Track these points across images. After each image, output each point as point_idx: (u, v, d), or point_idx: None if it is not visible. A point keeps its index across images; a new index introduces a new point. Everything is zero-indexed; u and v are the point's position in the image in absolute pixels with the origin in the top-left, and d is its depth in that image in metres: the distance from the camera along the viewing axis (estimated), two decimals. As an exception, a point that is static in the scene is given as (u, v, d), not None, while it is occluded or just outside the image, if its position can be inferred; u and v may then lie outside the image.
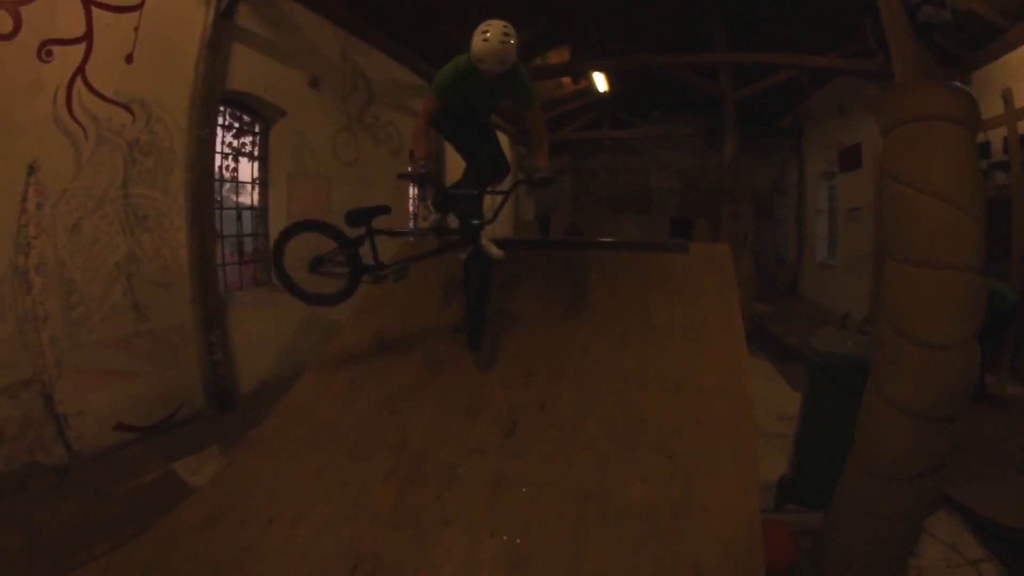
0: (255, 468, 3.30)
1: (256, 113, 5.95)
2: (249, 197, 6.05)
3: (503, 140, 11.02)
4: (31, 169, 3.98)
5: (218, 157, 5.49)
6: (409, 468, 2.79)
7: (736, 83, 9.11)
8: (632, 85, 13.15)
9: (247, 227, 6.03)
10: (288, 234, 3.69)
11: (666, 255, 3.87)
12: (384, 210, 3.67)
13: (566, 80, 12.12)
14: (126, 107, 4.47)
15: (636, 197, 16.00)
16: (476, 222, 3.41)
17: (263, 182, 6.10)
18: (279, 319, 5.93)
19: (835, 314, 8.80)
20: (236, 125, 5.77)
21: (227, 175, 5.69)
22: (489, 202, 3.83)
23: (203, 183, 5.06)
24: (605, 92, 11.90)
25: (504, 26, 3.04)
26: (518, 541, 2.24)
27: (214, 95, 5.09)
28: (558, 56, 10.20)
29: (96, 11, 4.20)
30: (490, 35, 3.00)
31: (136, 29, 4.48)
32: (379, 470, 2.84)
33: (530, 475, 2.53)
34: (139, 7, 4.47)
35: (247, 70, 5.44)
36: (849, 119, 9.74)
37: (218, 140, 5.42)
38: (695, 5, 9.39)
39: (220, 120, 5.41)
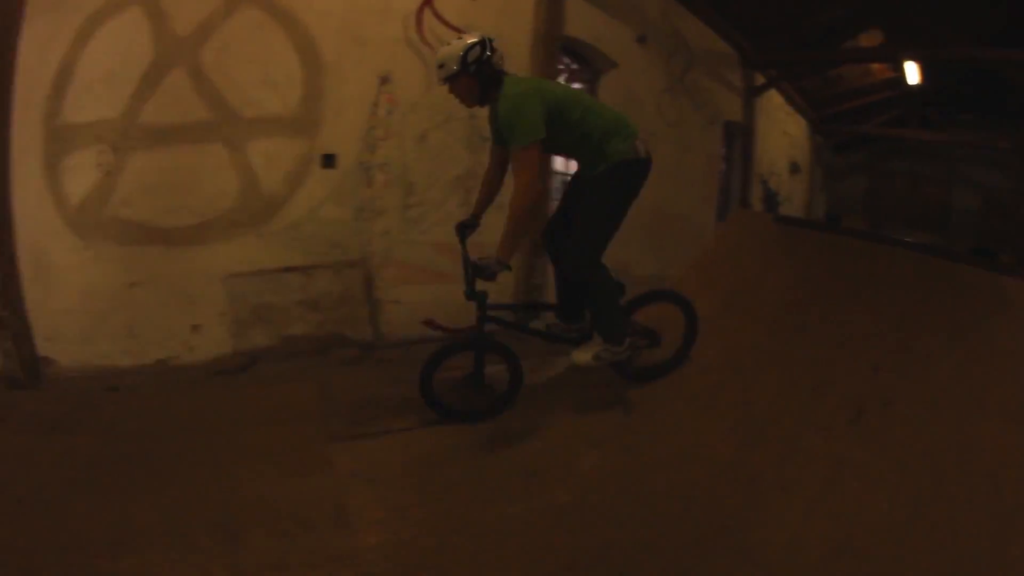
0: None
1: (587, 62, 6.08)
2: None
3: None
4: (383, 80, 4.48)
5: None
6: (752, 428, 2.78)
7: None
8: (945, 80, 10.70)
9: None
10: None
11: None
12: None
13: (877, 67, 10.25)
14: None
15: (933, 213, 13.57)
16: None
17: None
18: None
19: None
20: (567, 71, 5.99)
21: None
22: None
23: None
24: (917, 85, 9.77)
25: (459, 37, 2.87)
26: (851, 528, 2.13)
27: (552, 37, 5.25)
28: (869, 40, 8.93)
29: None
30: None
31: None
32: (722, 422, 2.89)
33: (871, 466, 2.39)
34: None
35: (580, 18, 5.57)
36: None
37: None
38: None
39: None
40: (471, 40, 2.76)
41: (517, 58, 4.95)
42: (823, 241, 3.80)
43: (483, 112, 4.45)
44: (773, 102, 9.55)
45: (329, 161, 4.33)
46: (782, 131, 9.51)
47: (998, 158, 12.17)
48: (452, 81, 2.79)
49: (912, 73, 9.55)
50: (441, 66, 2.78)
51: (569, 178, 3.29)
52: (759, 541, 2.13)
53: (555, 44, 5.26)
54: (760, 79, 8.64)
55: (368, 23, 4.44)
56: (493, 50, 2.80)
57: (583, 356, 2.99)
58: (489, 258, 2.74)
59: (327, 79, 4.34)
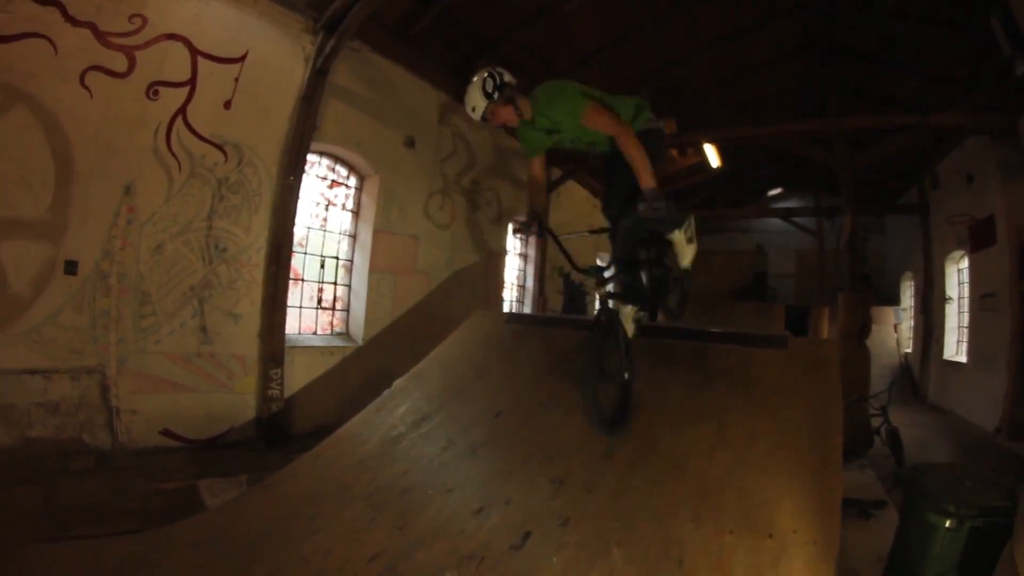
0: (260, 509, 3.58)
1: (351, 167, 6.85)
2: (336, 248, 6.76)
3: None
4: (127, 189, 5.02)
5: (310, 205, 6.36)
6: (394, 559, 2.82)
7: (852, 153, 8.85)
8: (746, 161, 13.19)
9: (329, 276, 6.68)
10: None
11: (760, 350, 3.64)
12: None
13: (674, 153, 12.22)
14: (220, 147, 5.49)
15: (751, 282, 15.93)
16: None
17: (352, 235, 6.82)
18: (347, 370, 6.32)
19: (972, 425, 8.09)
20: (332, 177, 6.69)
21: (318, 223, 6.48)
22: None
23: (284, 227, 5.84)
24: (718, 167, 11.86)
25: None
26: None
27: (304, 145, 5.98)
28: (665, 128, 10.34)
29: (202, 60, 5.37)
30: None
31: (236, 79, 5.59)
32: (364, 551, 2.93)
33: None
34: (241, 59, 5.61)
35: (341, 125, 6.39)
36: (979, 188, 8.88)
37: (312, 189, 6.32)
38: (804, 71, 9.47)
39: (318, 171, 6.36)
40: (480, 75, 3.15)
41: (265, 165, 5.73)
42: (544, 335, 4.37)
43: (225, 221, 5.14)
44: (576, 196, 10.60)
45: (71, 268, 4.75)
46: (588, 224, 10.12)
47: (804, 224, 14.81)
48: (491, 115, 3.18)
49: (712, 156, 11.33)
50: (473, 109, 3.18)
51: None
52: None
53: (305, 153, 5.97)
54: (557, 172, 9.56)
55: (120, 132, 4.94)
56: (501, 73, 3.16)
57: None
58: (649, 199, 2.94)
59: (76, 186, 4.76)
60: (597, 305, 3.54)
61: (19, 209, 4.58)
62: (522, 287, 9.89)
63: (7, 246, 4.51)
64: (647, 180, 2.95)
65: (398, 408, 4.15)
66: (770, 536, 2.42)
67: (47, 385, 4.68)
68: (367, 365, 6.42)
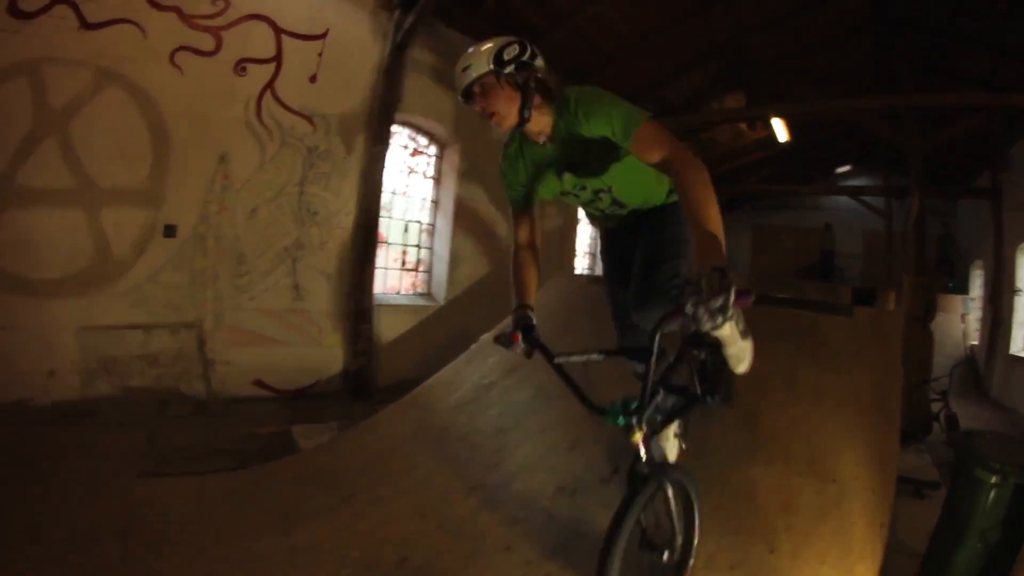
0: (358, 447, 3.83)
1: (431, 136, 7.10)
2: (420, 213, 7.02)
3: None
4: (222, 158, 5.44)
5: (393, 172, 6.65)
6: (492, 492, 2.99)
7: (924, 133, 8.45)
8: (815, 136, 12.71)
9: (412, 240, 6.99)
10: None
11: (827, 317, 3.76)
12: None
13: (744, 127, 11.81)
14: (308, 119, 5.85)
15: (818, 261, 15.67)
16: None
17: (434, 200, 7.05)
18: (428, 329, 6.55)
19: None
20: (413, 146, 6.99)
21: (403, 190, 6.77)
22: None
23: (372, 193, 6.14)
24: (787, 142, 11.52)
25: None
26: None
27: (388, 116, 6.28)
28: (734, 101, 10.34)
29: (285, 38, 5.74)
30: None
31: (320, 55, 5.93)
32: (463, 483, 3.12)
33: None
34: (323, 36, 5.94)
35: (421, 96, 6.61)
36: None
37: (395, 158, 6.58)
38: (875, 45, 8.99)
39: (400, 140, 6.64)
40: (504, 39, 2.11)
41: (351, 135, 6.01)
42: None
43: (316, 187, 5.46)
44: None
45: (170, 231, 5.20)
46: None
47: (874, 204, 13.95)
48: (481, 91, 2.08)
49: (780, 131, 10.91)
50: (465, 69, 2.07)
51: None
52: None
53: (388, 123, 6.26)
54: None
55: (213, 106, 5.39)
56: (536, 55, 2.12)
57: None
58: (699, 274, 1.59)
59: (173, 157, 5.24)
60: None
61: (119, 180, 5.07)
62: (593, 255, 9.77)
63: (108, 213, 5.02)
64: (717, 254, 1.63)
65: (488, 359, 4.29)
66: (833, 481, 2.66)
67: (147, 339, 5.16)
68: (447, 325, 6.63)
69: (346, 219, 5.97)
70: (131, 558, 2.78)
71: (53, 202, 4.92)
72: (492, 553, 2.56)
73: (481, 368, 4.21)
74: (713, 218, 1.72)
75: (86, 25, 5.00)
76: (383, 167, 6.19)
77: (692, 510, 2.19)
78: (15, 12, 4.85)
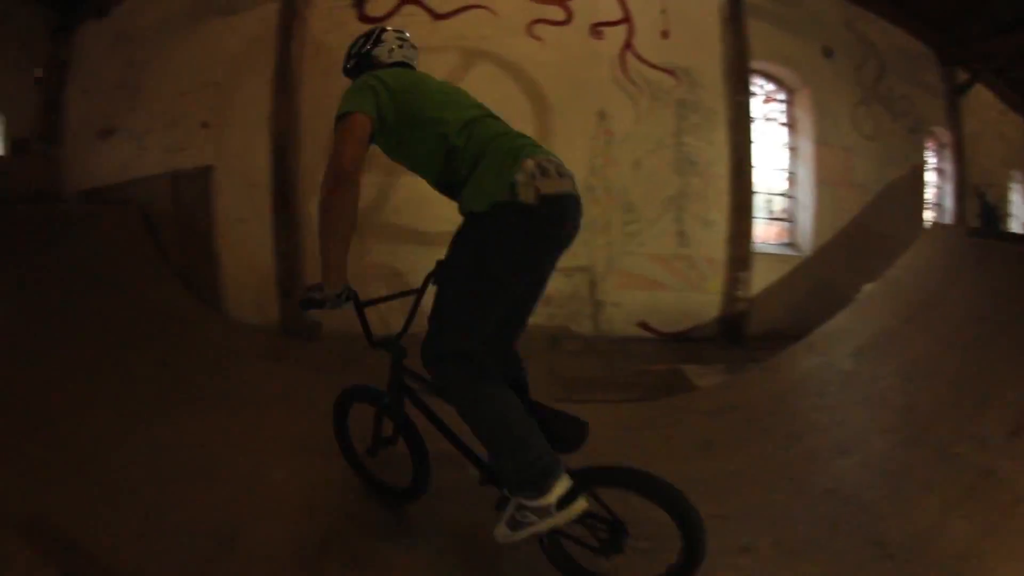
0: (763, 385, 3.99)
1: (779, 82, 6.80)
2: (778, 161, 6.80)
3: None
4: (600, 116, 5.74)
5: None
6: (909, 431, 2.94)
7: None
8: None
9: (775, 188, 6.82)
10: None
11: None
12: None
13: None
14: (670, 72, 5.94)
15: None
16: None
17: (791, 147, 6.76)
18: (794, 279, 6.32)
19: None
20: (764, 94, 6.76)
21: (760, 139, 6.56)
22: None
23: (742, 141, 6.04)
24: None
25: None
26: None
27: (743, 64, 6.12)
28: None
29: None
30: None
31: (663, 11, 5.99)
32: (882, 422, 3.10)
33: (1016, 481, 2.46)
34: None
35: (763, 41, 6.32)
36: None
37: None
38: None
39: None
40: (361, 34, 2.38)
41: (713, 84, 5.97)
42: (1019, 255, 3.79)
43: (690, 138, 5.49)
44: (981, 100, 9.10)
45: None
46: (997, 133, 8.95)
47: None
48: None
49: None
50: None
51: None
52: (890, 528, 2.32)
53: (745, 70, 6.11)
54: (962, 76, 8.24)
55: (580, 68, 5.75)
56: (380, 41, 2.34)
57: (500, 530, 1.97)
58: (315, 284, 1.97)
59: (554, 117, 5.66)
60: None
61: None
62: (938, 205, 8.63)
63: None
64: (324, 272, 1.96)
65: (882, 307, 4.19)
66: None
67: None
68: (812, 275, 6.32)
69: (721, 167, 5.96)
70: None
71: None
72: (914, 491, 2.53)
73: (877, 316, 4.07)
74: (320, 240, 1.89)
75: (437, 16, 5.65)
76: (749, 116, 6.09)
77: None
78: (365, 18, 5.63)
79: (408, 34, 2.45)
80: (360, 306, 2.12)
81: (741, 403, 3.79)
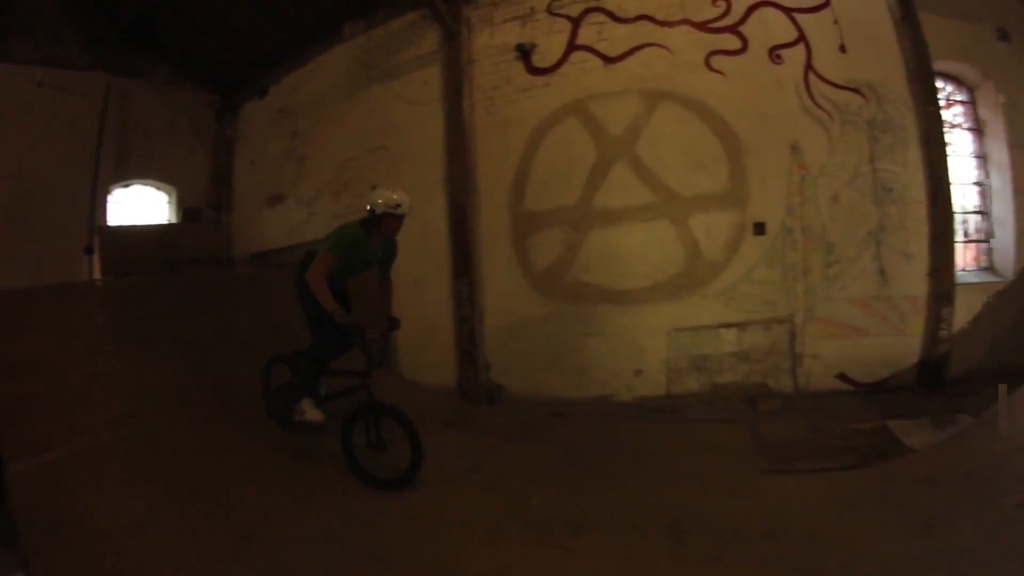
0: (980, 446, 3.74)
1: (956, 80, 6.22)
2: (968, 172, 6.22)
3: None
4: (793, 148, 5.45)
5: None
6: None
7: None
8: None
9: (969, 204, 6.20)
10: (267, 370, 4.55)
11: None
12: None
13: None
14: (856, 91, 5.52)
15: None
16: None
17: (980, 155, 6.18)
18: (995, 309, 5.74)
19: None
20: (944, 96, 6.12)
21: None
22: None
23: (938, 158, 5.53)
24: None
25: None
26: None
27: (925, 68, 5.59)
28: None
29: (797, 15, 5.52)
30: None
31: (835, 22, 5.56)
32: None
33: None
34: (827, 3, 5.56)
35: (936, 36, 5.73)
36: None
37: None
38: None
39: None
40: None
41: (900, 97, 5.54)
42: None
43: (884, 162, 5.44)
44: None
45: (760, 228, 5.40)
46: None
47: None
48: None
49: None
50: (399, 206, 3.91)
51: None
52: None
53: (929, 75, 5.59)
54: None
55: (766, 98, 5.45)
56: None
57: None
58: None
59: (747, 155, 5.44)
60: None
61: (701, 186, 5.42)
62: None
63: (697, 220, 5.39)
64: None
65: None
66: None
67: (740, 336, 5.41)
68: (1014, 304, 5.71)
69: (918, 191, 5.49)
70: (789, 559, 2.85)
71: (635, 217, 5.42)
72: None
73: None
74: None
75: (609, 60, 5.45)
76: (942, 128, 5.58)
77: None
78: (534, 70, 5.45)
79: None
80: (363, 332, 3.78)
81: (960, 468, 3.55)
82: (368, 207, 3.89)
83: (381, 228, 3.92)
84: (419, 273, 5.90)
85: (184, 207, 6.71)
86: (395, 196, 3.86)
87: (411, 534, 3.15)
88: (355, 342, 3.83)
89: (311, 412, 3.98)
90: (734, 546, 3.01)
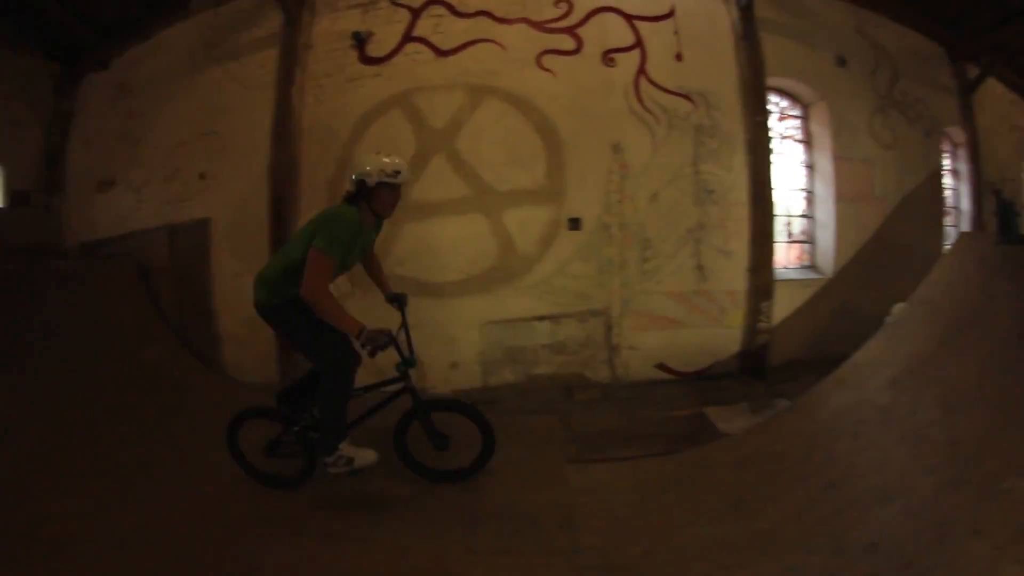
0: (794, 428, 3.77)
1: (792, 97, 6.56)
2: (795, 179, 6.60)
3: None
4: (615, 148, 5.55)
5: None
6: (953, 468, 2.71)
7: None
8: None
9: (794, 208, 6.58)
10: (238, 421, 3.58)
11: None
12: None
13: None
14: (686, 97, 5.73)
15: None
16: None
17: (808, 164, 6.56)
18: (814, 304, 6.13)
19: None
20: (778, 111, 6.51)
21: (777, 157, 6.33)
22: None
23: (762, 164, 5.82)
24: None
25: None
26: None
27: (759, 83, 5.89)
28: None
29: (638, 23, 5.71)
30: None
31: (676, 32, 5.79)
32: (921, 462, 2.87)
33: None
34: (671, 14, 5.79)
35: (776, 56, 6.06)
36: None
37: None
38: None
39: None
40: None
41: (730, 107, 5.78)
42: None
43: (708, 165, 5.63)
44: (992, 93, 8.99)
45: (575, 224, 5.47)
46: (1009, 126, 8.56)
47: None
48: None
49: None
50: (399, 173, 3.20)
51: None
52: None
53: (762, 90, 5.87)
54: (973, 71, 7.95)
55: (593, 99, 5.55)
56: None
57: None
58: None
59: (567, 153, 5.51)
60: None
61: (518, 182, 5.47)
62: (955, 208, 8.34)
63: (511, 215, 5.44)
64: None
65: (916, 331, 3.87)
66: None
67: (554, 329, 5.46)
68: (832, 299, 6.13)
69: (740, 194, 5.76)
70: (584, 548, 2.88)
71: (450, 211, 5.44)
72: (962, 538, 2.31)
73: (910, 340, 3.77)
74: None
75: (441, 53, 5.49)
76: (768, 137, 5.90)
77: None
78: (367, 59, 5.48)
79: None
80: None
81: (771, 450, 3.61)
82: (355, 177, 3.14)
83: (375, 203, 3.17)
84: (241, 267, 5.63)
85: (12, 189, 6.34)
86: (392, 161, 3.13)
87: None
88: (381, 349, 3.02)
89: (360, 454, 3.27)
90: (527, 536, 3.01)
